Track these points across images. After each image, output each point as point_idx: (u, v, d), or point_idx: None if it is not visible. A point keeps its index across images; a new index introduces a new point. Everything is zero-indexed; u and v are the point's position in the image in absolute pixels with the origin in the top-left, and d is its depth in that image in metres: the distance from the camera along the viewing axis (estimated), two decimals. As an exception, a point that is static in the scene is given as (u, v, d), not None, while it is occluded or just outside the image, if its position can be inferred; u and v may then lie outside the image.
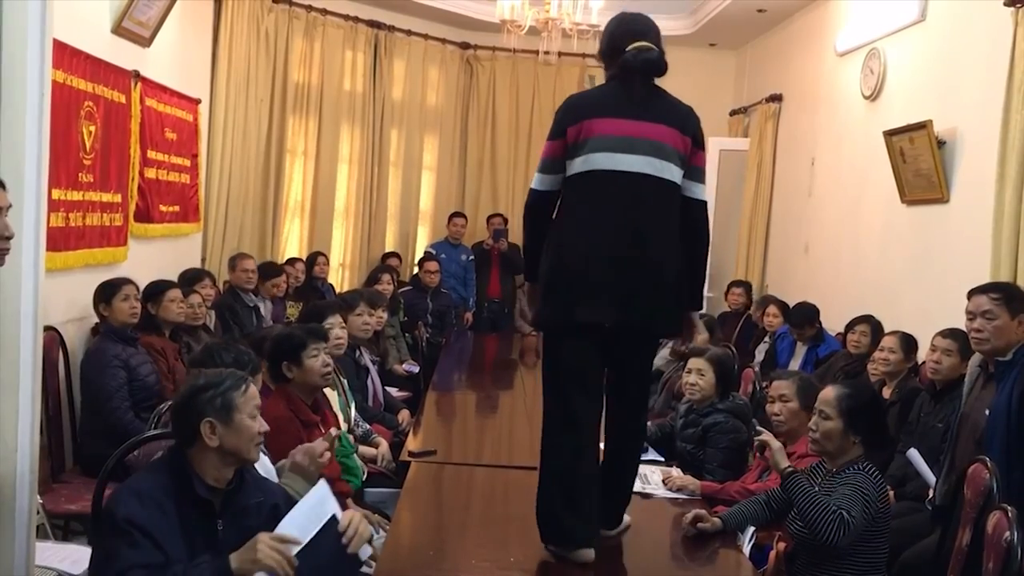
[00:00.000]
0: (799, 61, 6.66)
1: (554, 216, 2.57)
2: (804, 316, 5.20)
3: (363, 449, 3.63)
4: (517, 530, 2.72)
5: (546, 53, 5.99)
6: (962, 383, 3.14)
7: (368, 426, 3.88)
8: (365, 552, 2.04)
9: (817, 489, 2.56)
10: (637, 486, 3.09)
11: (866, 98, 5.35)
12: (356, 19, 7.23)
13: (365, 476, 3.42)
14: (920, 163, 4.50)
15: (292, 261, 6.46)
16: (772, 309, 5.67)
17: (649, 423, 3.92)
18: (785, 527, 2.69)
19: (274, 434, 2.36)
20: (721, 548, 2.67)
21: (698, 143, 2.54)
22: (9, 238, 2.12)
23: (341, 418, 3.55)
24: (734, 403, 3.62)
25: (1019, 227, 3.61)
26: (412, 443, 3.51)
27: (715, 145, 7.41)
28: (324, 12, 6.98)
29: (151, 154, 4.91)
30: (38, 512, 2.56)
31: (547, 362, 2.61)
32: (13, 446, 2.31)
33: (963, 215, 4.23)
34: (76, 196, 4.00)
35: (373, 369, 4.52)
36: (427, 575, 2.36)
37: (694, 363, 3.66)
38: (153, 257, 4.97)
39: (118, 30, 4.43)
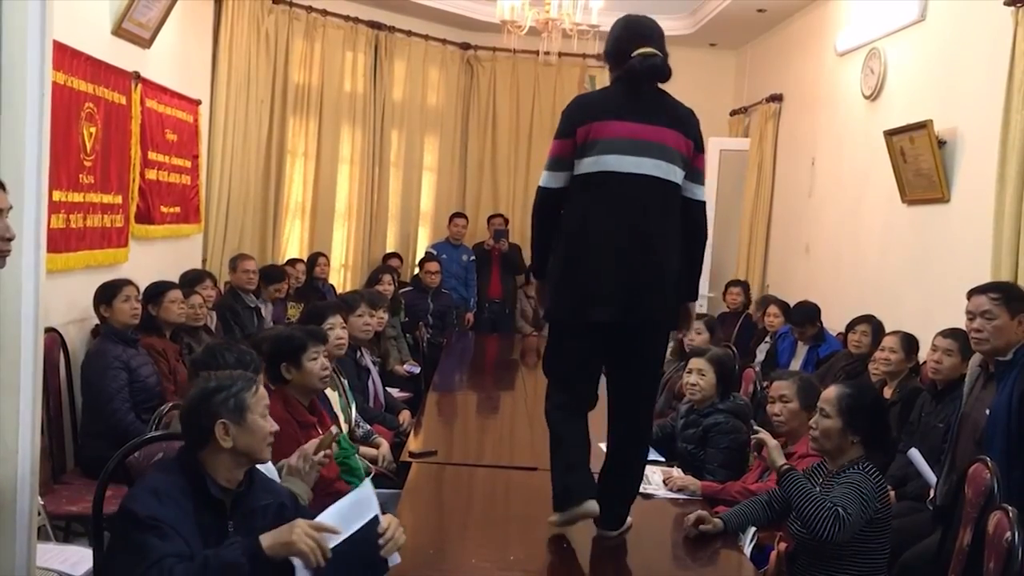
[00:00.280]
0: (799, 61, 6.66)
1: (562, 214, 2.64)
2: (805, 315, 5.20)
3: (364, 450, 3.63)
4: (518, 530, 2.73)
5: (546, 54, 5.99)
6: (963, 383, 3.14)
7: (369, 427, 3.88)
8: (395, 559, 2.06)
9: (817, 488, 2.56)
10: (638, 486, 3.10)
11: (866, 98, 5.35)
12: (356, 20, 7.23)
13: (369, 477, 3.42)
14: (920, 163, 4.50)
15: (293, 262, 6.47)
16: (773, 309, 5.67)
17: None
18: (786, 527, 2.69)
19: (272, 434, 2.36)
20: (722, 549, 2.67)
21: (699, 146, 2.63)
22: (10, 240, 2.12)
23: (342, 418, 3.55)
24: (735, 403, 3.62)
25: (1020, 227, 3.61)
26: (413, 444, 3.51)
27: (715, 145, 7.41)
28: (324, 13, 6.99)
29: (152, 155, 4.91)
30: (39, 513, 2.55)
31: (553, 351, 2.73)
32: (14, 447, 2.31)
33: (964, 215, 4.23)
34: (77, 197, 4.00)
35: (374, 370, 4.52)
36: (428, 575, 2.36)
37: (695, 363, 3.66)
38: (154, 258, 4.98)
39: (118, 31, 4.43)
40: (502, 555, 2.52)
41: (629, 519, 2.72)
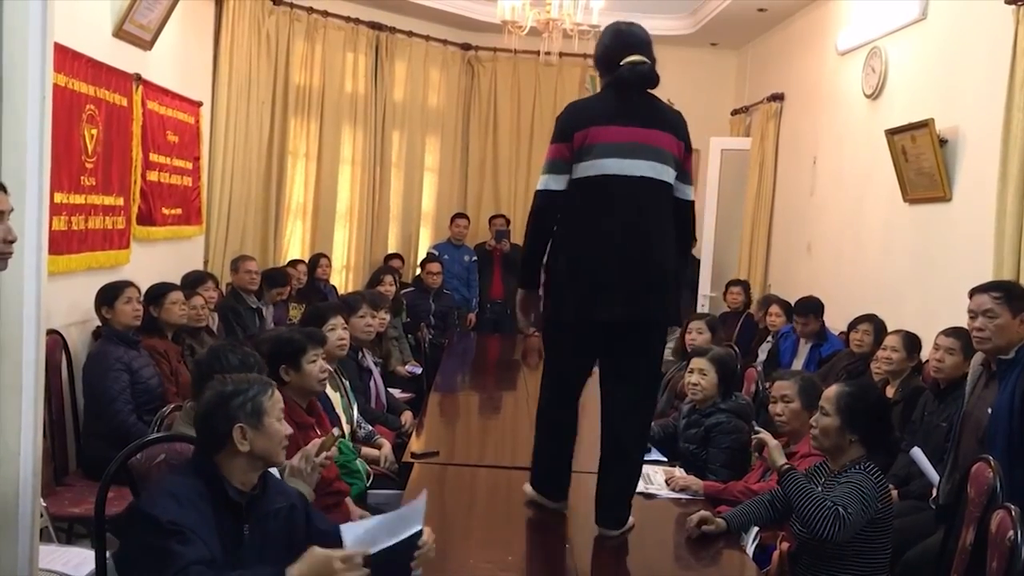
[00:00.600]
0: (800, 60, 6.65)
1: (560, 218, 2.71)
2: (809, 307, 5.19)
3: (366, 451, 3.63)
4: (520, 531, 2.73)
5: (547, 54, 5.99)
6: (965, 382, 3.14)
7: (371, 427, 3.88)
8: (417, 574, 2.07)
9: (818, 488, 2.56)
10: (640, 486, 3.10)
11: (868, 97, 5.35)
12: (357, 21, 7.23)
13: (371, 481, 3.42)
14: (922, 162, 4.50)
15: (294, 263, 6.47)
16: (775, 309, 5.67)
17: (652, 423, 3.93)
18: (788, 527, 2.69)
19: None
20: (725, 549, 2.67)
21: (688, 147, 2.75)
22: (11, 242, 2.13)
23: (343, 419, 3.55)
24: (736, 403, 3.61)
25: (1021, 225, 3.61)
26: (415, 444, 3.51)
27: (717, 145, 7.42)
28: (325, 14, 6.99)
29: (153, 157, 4.91)
30: (41, 515, 2.56)
31: (553, 350, 2.85)
32: (16, 449, 2.31)
33: (965, 214, 4.23)
34: (78, 199, 4.00)
35: (376, 371, 4.52)
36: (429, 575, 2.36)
37: (696, 363, 3.66)
38: (155, 260, 4.98)
39: (119, 33, 4.44)
40: (504, 555, 2.52)
41: (631, 519, 2.73)
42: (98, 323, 3.96)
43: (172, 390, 3.88)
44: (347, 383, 3.79)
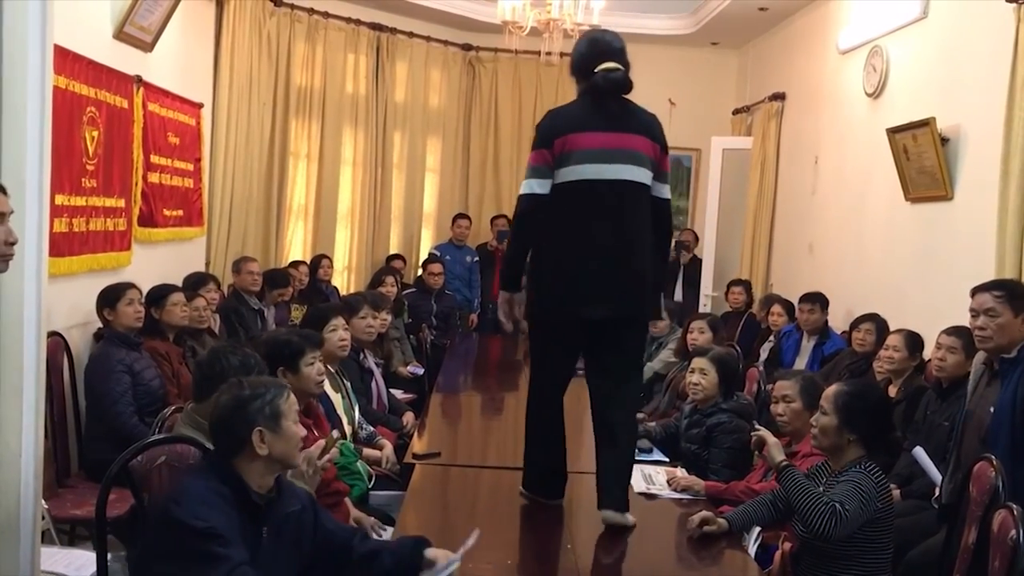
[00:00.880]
0: (801, 59, 6.65)
1: (544, 221, 2.80)
2: (814, 295, 5.17)
3: (368, 451, 3.63)
4: (521, 532, 2.73)
5: (548, 54, 5.99)
6: (967, 381, 3.13)
7: (372, 428, 3.88)
8: None
9: (820, 488, 2.56)
10: (642, 487, 3.11)
11: (869, 96, 5.34)
12: (358, 22, 7.23)
13: (372, 482, 3.42)
14: (924, 160, 4.49)
15: (296, 264, 6.47)
16: (776, 308, 5.66)
17: (653, 423, 3.94)
18: (790, 527, 2.69)
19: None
20: (727, 549, 2.66)
21: (664, 148, 2.86)
22: (12, 244, 2.13)
23: (345, 420, 3.55)
24: (738, 403, 3.61)
25: (1023, 224, 3.60)
26: (416, 445, 3.52)
27: (718, 144, 7.40)
28: (326, 15, 6.99)
29: (154, 159, 4.91)
30: (43, 517, 2.56)
31: (540, 348, 2.95)
32: (17, 451, 2.31)
33: (967, 212, 4.22)
34: (79, 201, 4.00)
35: (377, 371, 4.52)
36: None
37: (697, 363, 3.65)
38: (157, 262, 4.98)
39: (120, 35, 4.44)
40: (506, 556, 2.52)
41: (632, 519, 2.72)
42: (99, 325, 3.96)
43: (174, 392, 3.88)
44: (348, 384, 3.79)
